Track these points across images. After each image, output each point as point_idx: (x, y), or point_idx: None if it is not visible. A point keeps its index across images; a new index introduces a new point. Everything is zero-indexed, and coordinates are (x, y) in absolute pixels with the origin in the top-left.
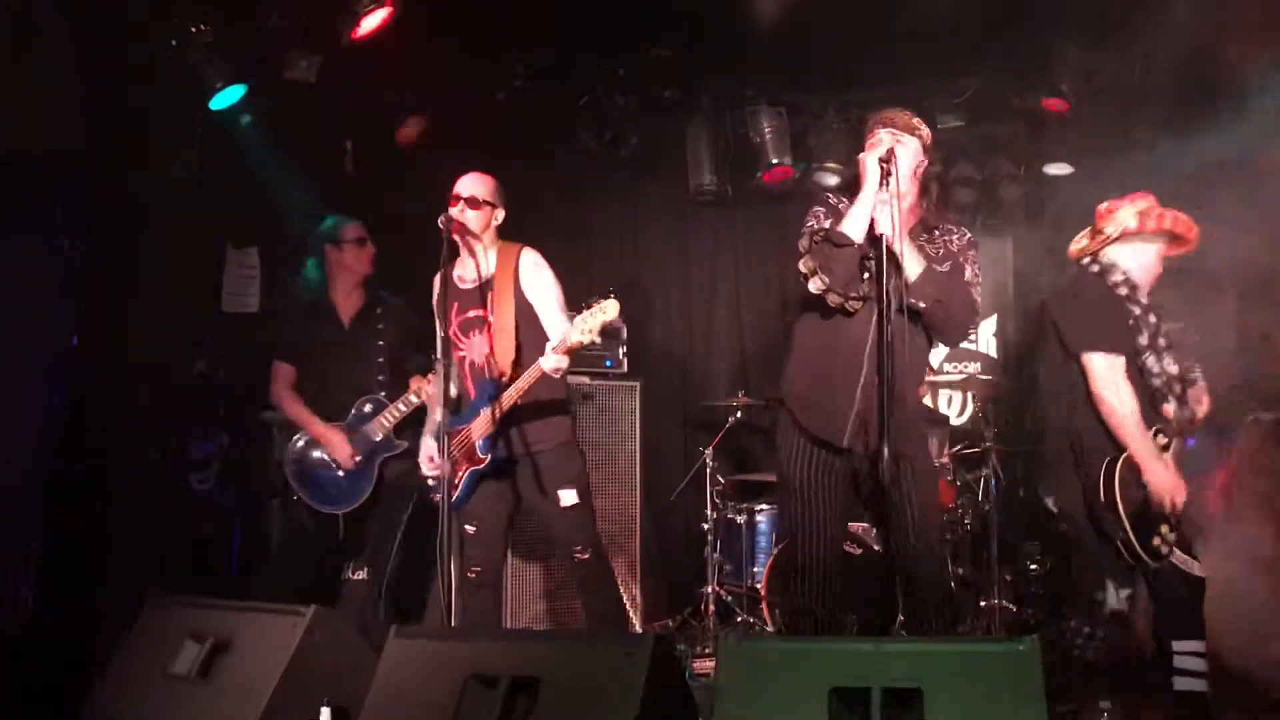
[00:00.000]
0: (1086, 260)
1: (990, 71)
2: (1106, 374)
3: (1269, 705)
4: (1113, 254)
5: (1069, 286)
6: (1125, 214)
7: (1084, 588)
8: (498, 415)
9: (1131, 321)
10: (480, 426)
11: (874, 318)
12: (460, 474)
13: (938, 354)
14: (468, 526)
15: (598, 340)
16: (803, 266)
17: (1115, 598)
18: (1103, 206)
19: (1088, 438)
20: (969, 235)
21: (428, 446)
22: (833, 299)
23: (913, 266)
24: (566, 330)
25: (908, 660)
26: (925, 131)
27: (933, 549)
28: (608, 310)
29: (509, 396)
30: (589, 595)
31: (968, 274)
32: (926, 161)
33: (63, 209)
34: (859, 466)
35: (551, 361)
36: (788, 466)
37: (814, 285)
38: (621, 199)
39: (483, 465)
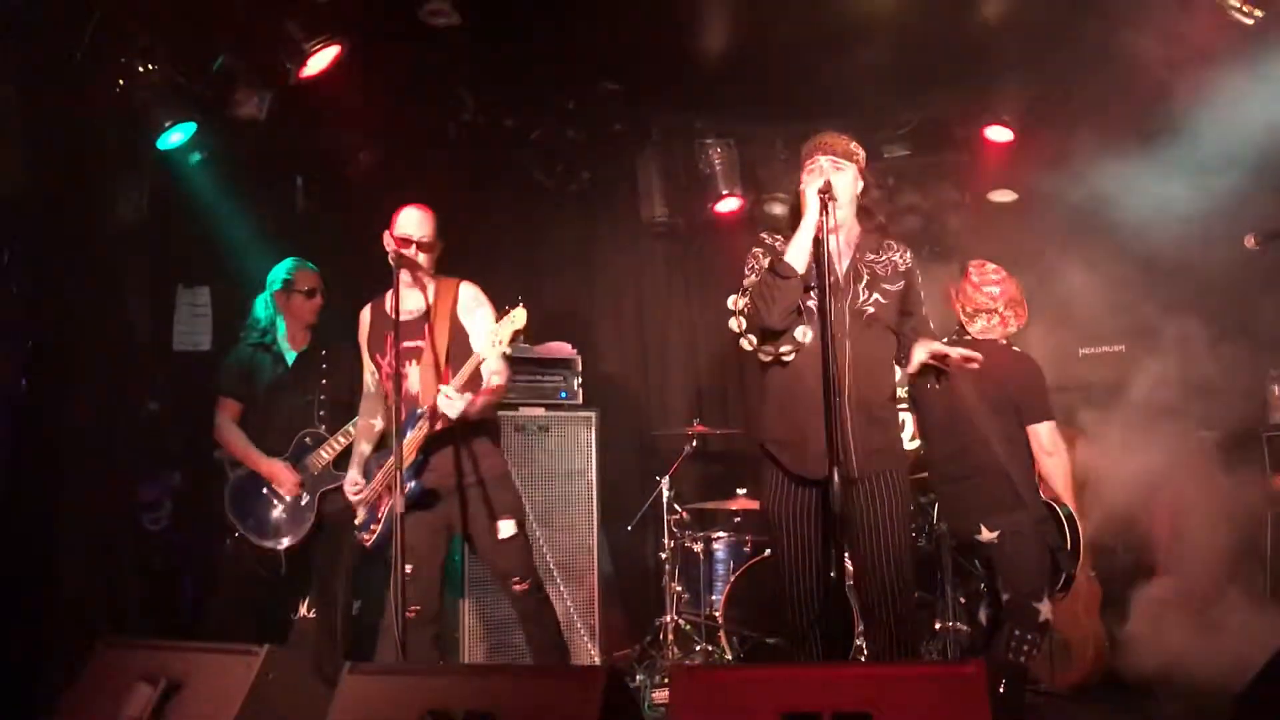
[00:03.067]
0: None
1: (934, 103)
2: (1055, 439)
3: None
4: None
5: (1016, 366)
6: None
7: (1022, 600)
8: (417, 444)
9: None
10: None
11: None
12: (384, 507)
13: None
14: (405, 565)
15: (508, 350)
16: (733, 324)
17: (1047, 608)
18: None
19: (1025, 486)
20: (909, 252)
21: (351, 475)
22: (763, 355)
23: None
24: (477, 355)
25: (857, 685)
26: (861, 155)
27: (903, 571)
28: (516, 319)
29: (425, 428)
30: (531, 626)
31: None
32: (863, 184)
33: (8, 251)
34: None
35: (444, 404)
36: (773, 505)
37: (745, 344)
38: (574, 231)
39: (404, 493)
